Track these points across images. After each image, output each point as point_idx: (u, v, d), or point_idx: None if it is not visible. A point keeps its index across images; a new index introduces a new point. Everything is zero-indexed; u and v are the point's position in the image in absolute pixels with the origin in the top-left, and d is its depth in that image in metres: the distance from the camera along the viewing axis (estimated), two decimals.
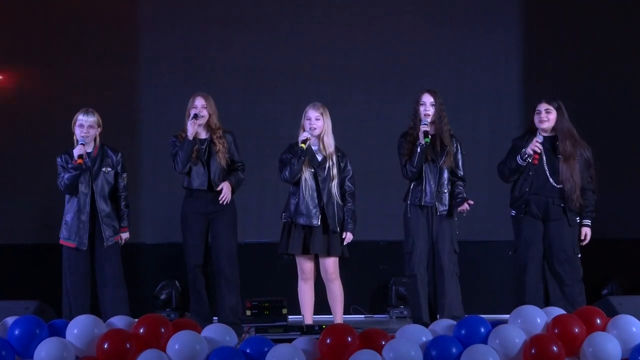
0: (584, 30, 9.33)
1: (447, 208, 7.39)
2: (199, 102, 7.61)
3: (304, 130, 7.40)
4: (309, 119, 7.40)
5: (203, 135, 7.65)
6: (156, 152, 8.94)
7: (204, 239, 7.67)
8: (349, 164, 7.52)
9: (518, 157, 7.31)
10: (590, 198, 7.36)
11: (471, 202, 7.37)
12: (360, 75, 9.37)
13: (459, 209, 7.38)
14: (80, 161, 7.27)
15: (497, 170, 7.50)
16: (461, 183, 7.45)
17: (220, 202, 7.51)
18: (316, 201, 7.37)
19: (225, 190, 7.53)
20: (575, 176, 7.27)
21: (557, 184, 7.31)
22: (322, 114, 7.42)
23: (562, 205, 7.30)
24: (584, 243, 7.36)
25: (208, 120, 7.62)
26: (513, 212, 7.44)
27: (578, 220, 7.36)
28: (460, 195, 7.40)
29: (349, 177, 7.51)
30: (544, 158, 7.35)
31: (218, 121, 7.66)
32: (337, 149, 7.50)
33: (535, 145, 7.25)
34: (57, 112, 8.90)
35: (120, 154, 7.55)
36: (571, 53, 9.33)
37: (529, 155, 7.25)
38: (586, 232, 7.35)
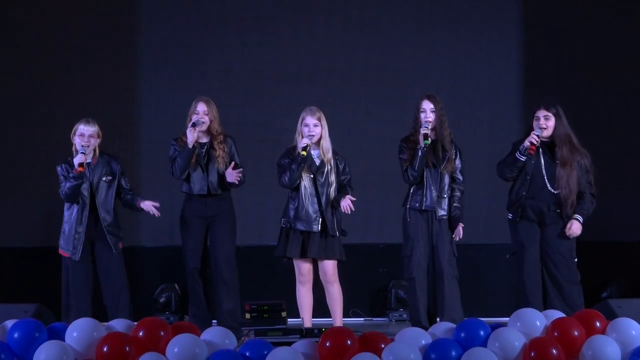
0: (583, 34, 9.33)
1: (446, 213, 7.40)
2: (201, 107, 7.57)
3: (302, 137, 7.35)
4: (307, 126, 7.33)
5: (204, 139, 7.63)
6: (155, 156, 8.92)
7: (203, 242, 7.67)
8: (347, 166, 7.50)
9: (517, 152, 7.30)
10: (588, 200, 7.33)
11: (462, 225, 7.36)
12: (359, 79, 9.35)
13: (454, 235, 7.39)
14: (81, 169, 7.23)
15: (497, 168, 7.48)
16: (458, 194, 7.44)
17: (232, 177, 7.47)
18: (316, 206, 7.35)
19: (237, 173, 7.49)
20: (572, 182, 7.27)
21: (554, 190, 7.31)
22: (319, 119, 7.36)
23: (558, 210, 7.31)
24: (568, 233, 7.23)
25: (209, 126, 7.60)
26: (510, 216, 7.45)
27: None
28: (455, 214, 7.39)
29: (348, 179, 7.49)
30: (542, 163, 7.34)
31: (219, 126, 7.63)
32: (334, 152, 7.46)
33: (533, 137, 7.25)
34: (57, 115, 8.91)
35: (119, 160, 7.53)
36: (570, 57, 9.32)
37: (526, 148, 7.24)
38: (573, 223, 7.21)
